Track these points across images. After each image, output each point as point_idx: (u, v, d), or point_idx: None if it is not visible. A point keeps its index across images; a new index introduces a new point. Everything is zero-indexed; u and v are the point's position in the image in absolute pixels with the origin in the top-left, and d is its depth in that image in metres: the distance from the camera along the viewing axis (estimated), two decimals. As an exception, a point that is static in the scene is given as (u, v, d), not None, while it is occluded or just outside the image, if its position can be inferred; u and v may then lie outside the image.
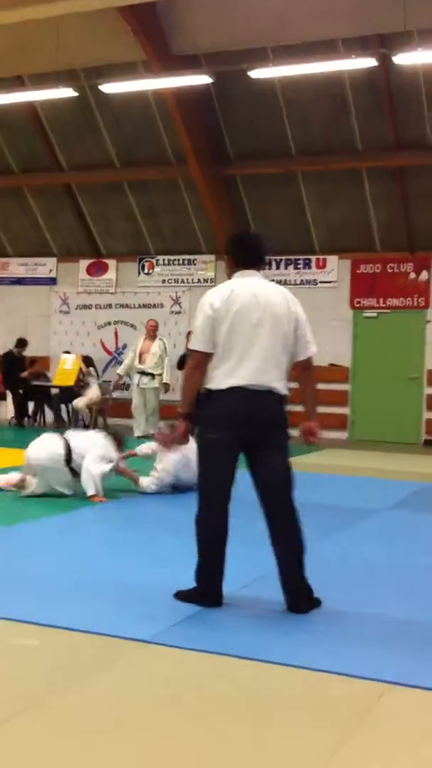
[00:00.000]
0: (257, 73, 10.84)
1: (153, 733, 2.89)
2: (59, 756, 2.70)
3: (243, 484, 4.25)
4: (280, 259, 13.46)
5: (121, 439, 7.33)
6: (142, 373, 12.43)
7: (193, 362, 4.26)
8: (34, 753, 2.71)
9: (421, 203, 12.49)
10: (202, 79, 11.11)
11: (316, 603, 4.23)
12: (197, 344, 4.23)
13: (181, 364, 11.96)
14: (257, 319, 4.17)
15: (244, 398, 4.12)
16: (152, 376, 12.39)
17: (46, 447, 6.88)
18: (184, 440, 4.54)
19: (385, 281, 13.11)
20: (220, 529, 4.18)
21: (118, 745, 2.80)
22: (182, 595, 4.27)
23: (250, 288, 4.24)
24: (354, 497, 7.85)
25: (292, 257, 13.44)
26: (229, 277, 4.41)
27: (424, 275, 12.95)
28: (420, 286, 12.98)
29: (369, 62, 10.52)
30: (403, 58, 10.14)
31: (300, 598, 4.19)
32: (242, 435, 4.14)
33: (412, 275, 12.99)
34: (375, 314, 13.24)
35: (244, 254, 4.40)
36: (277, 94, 12.07)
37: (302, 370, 4.37)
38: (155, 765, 2.68)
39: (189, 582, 4.28)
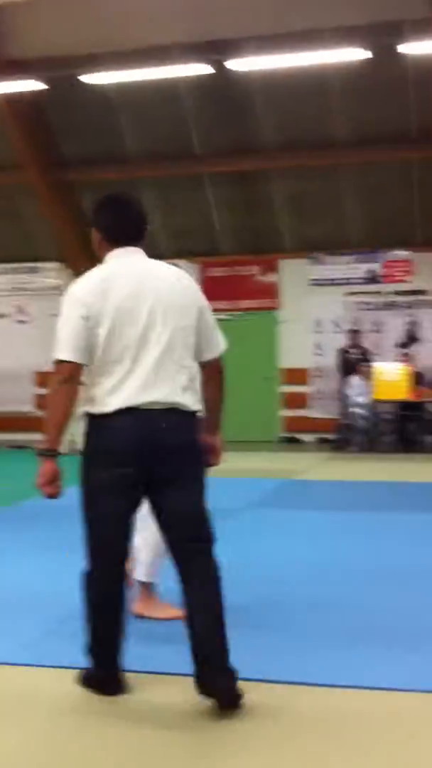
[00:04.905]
0: (89, 78, 10.82)
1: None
2: None
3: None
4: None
5: None
6: None
7: (60, 377, 3.06)
8: None
9: (261, 207, 12.73)
10: (34, 85, 10.93)
11: (234, 679, 3.01)
12: (64, 352, 3.05)
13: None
14: (147, 313, 3.09)
15: (139, 422, 3.05)
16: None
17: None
18: (50, 489, 3.07)
19: (234, 284, 13.28)
20: (113, 595, 3.13)
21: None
22: (83, 681, 3.20)
23: (134, 273, 3.14)
24: (213, 498, 7.82)
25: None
26: (101, 259, 3.25)
27: (271, 277, 13.24)
28: (268, 287, 13.24)
29: (203, 68, 10.59)
30: (236, 64, 10.31)
31: (216, 666, 3.02)
32: (141, 471, 3.07)
33: (259, 277, 13.27)
34: (228, 317, 13.40)
35: (121, 225, 3.21)
36: (112, 99, 11.99)
37: (209, 373, 3.41)
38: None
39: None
